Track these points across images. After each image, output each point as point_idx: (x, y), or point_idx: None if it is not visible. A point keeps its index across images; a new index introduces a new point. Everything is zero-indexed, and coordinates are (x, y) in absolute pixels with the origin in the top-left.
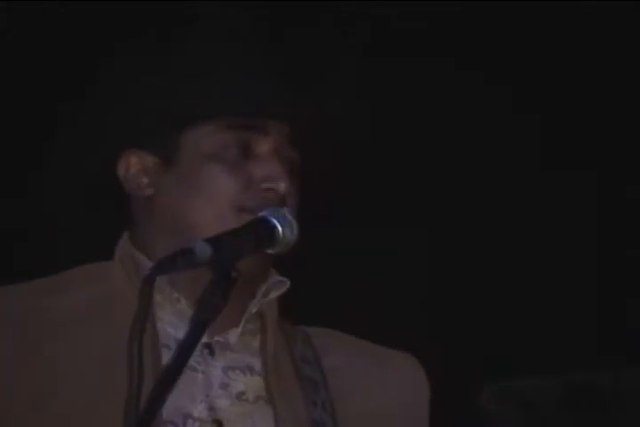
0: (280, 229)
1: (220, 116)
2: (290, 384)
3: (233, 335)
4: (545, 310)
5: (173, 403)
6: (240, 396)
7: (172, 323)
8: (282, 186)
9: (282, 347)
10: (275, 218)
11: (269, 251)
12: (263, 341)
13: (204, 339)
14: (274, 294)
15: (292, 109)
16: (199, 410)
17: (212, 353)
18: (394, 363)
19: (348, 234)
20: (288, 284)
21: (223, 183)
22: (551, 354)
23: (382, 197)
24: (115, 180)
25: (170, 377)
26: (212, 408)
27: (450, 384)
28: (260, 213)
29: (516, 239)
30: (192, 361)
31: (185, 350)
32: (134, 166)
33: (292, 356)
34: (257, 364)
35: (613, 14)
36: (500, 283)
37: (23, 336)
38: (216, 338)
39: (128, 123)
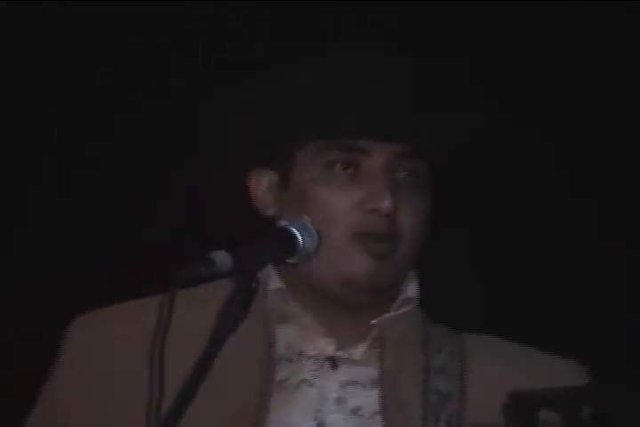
0: (300, 238)
1: (326, 137)
2: (409, 397)
3: (357, 353)
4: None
5: (283, 418)
6: (356, 411)
7: (297, 336)
8: (384, 204)
9: (409, 358)
10: (295, 228)
11: (290, 261)
12: (381, 354)
13: (329, 352)
14: (395, 312)
15: (403, 131)
16: (309, 426)
17: (334, 367)
18: (551, 375)
19: None
20: (415, 302)
21: (329, 209)
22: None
23: None
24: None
25: (186, 391)
26: (322, 424)
27: None
28: (281, 223)
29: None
30: (309, 376)
31: (203, 362)
32: (262, 185)
33: (425, 367)
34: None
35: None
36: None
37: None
38: (339, 353)
39: (256, 141)
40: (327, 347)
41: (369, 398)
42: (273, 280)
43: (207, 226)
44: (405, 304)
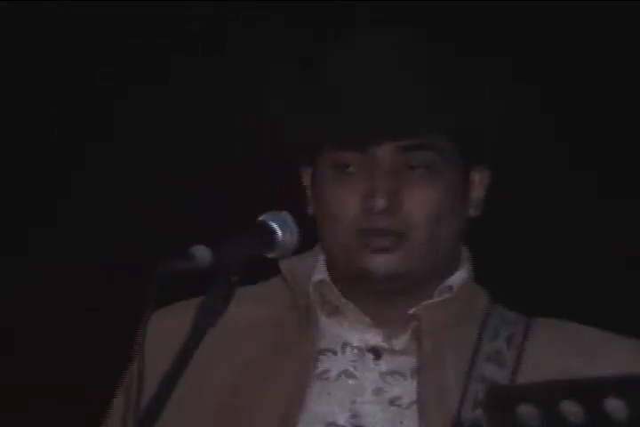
0: (280, 233)
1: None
2: (449, 385)
3: (399, 343)
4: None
5: (318, 410)
6: (394, 401)
7: (343, 326)
8: (376, 203)
9: (454, 346)
10: (274, 222)
11: (269, 255)
12: (419, 342)
13: (371, 342)
14: (431, 301)
15: (403, 128)
16: (345, 417)
17: (377, 357)
18: (614, 358)
19: None
20: (453, 291)
21: (334, 208)
22: None
23: None
24: None
25: (164, 385)
26: (356, 415)
27: None
28: (260, 218)
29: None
30: (349, 366)
31: (181, 357)
32: (306, 184)
33: (473, 353)
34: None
35: None
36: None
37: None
38: (382, 344)
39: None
40: (374, 338)
41: (408, 389)
42: (318, 272)
43: (208, 226)
44: (446, 291)
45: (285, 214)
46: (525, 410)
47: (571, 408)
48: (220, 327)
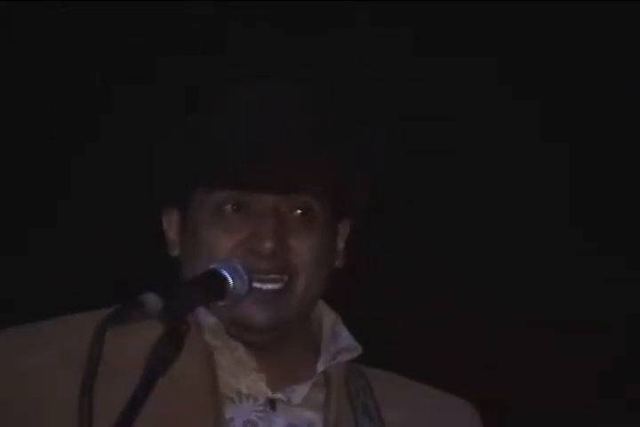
0: (231, 281)
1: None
2: None
3: (296, 396)
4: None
5: None
6: None
7: (231, 371)
8: (265, 245)
9: (345, 401)
10: (226, 270)
11: (220, 303)
12: (328, 398)
13: (269, 394)
14: (343, 358)
15: (280, 178)
16: None
17: (273, 408)
18: (451, 412)
19: None
20: (360, 350)
21: (215, 250)
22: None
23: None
24: None
25: None
26: None
27: None
28: (212, 266)
29: None
30: (254, 416)
31: (133, 404)
32: (171, 225)
33: (353, 409)
34: (319, 422)
35: None
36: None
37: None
38: (279, 395)
39: (160, 181)
40: (258, 383)
41: None
42: (204, 314)
43: None
44: (348, 351)
45: (236, 262)
46: None
47: None
48: (111, 375)
